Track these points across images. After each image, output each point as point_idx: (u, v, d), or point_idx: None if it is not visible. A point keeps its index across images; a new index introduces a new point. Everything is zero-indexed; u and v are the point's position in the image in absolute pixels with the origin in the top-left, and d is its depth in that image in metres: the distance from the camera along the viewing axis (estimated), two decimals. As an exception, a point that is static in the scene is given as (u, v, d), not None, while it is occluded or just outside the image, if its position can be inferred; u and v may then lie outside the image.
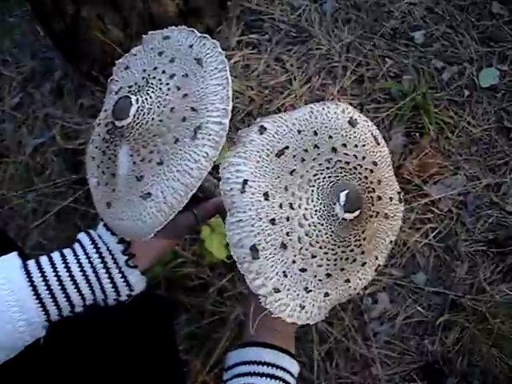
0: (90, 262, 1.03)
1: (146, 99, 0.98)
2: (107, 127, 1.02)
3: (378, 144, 1.02)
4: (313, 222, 0.92)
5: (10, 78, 2.57)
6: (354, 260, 0.96)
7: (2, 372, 1.04)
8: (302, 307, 0.93)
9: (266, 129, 0.98)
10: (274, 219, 0.91)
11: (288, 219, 0.92)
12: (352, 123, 1.01)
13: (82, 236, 1.07)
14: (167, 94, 0.98)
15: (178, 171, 0.94)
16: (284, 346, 1.05)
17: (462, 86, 2.19)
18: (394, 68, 2.23)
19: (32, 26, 2.65)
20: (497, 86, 2.18)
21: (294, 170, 0.95)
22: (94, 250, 1.04)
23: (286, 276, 0.91)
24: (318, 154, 0.96)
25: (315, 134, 0.99)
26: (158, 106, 0.97)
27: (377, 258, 1.00)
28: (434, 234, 1.97)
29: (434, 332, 1.87)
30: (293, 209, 0.92)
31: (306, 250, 0.92)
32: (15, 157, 2.34)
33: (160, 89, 0.99)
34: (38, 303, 0.99)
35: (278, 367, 1.02)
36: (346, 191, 0.92)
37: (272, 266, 0.91)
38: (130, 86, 1.02)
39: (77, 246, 1.06)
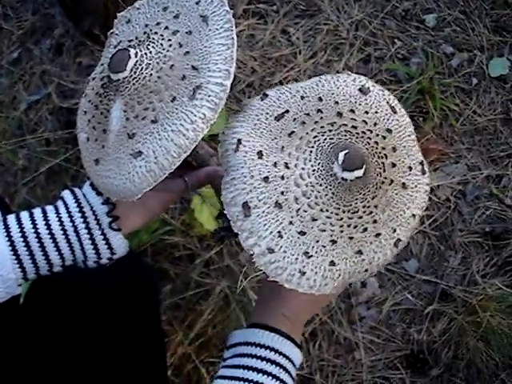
0: (72, 221, 0.99)
1: (146, 54, 0.93)
2: (102, 81, 0.97)
3: (395, 112, 0.98)
4: (310, 182, 0.89)
5: (9, 33, 2.50)
6: (365, 229, 0.90)
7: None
8: (303, 273, 0.88)
9: (267, 95, 0.98)
10: (267, 177, 0.89)
11: (283, 178, 0.89)
12: (363, 91, 0.98)
13: (66, 194, 1.03)
14: (168, 51, 0.94)
15: (172, 131, 0.89)
16: (290, 333, 1.01)
17: (470, 73, 2.14)
18: (402, 50, 2.18)
19: (35, -20, 2.59)
20: (506, 77, 2.13)
21: (293, 132, 0.93)
22: (77, 209, 1.00)
23: (281, 237, 0.88)
24: (321, 118, 0.94)
25: (320, 99, 0.96)
26: (158, 62, 0.93)
27: (395, 231, 0.92)
28: (430, 221, 1.94)
29: (421, 321, 1.85)
30: (288, 168, 0.90)
31: (305, 211, 0.88)
32: (8, 112, 2.28)
33: (161, 44, 0.95)
34: (14, 259, 0.95)
35: (280, 353, 0.98)
36: (346, 151, 0.88)
37: (265, 225, 0.88)
38: (130, 40, 0.98)
39: (60, 203, 1.02)
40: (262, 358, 0.96)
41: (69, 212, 1.00)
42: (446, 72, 2.14)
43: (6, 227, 0.96)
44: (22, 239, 0.96)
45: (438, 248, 1.91)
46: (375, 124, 0.95)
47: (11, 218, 0.98)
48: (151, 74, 0.92)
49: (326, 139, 0.91)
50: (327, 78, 0.99)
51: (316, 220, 0.88)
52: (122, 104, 0.93)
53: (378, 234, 0.91)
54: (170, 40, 0.95)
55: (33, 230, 0.97)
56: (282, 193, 0.89)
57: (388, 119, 0.96)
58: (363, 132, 0.93)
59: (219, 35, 0.95)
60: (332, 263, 0.89)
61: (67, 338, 1.22)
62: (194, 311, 1.83)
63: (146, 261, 1.83)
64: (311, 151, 0.91)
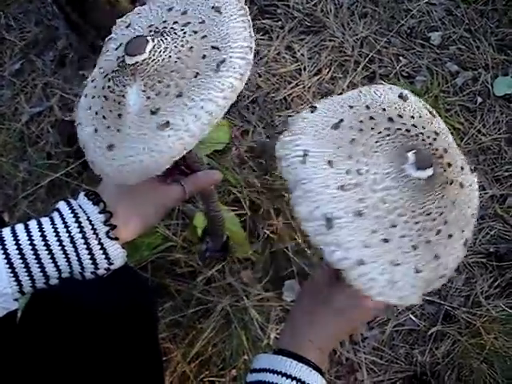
0: (68, 232, 0.97)
1: (162, 40, 0.95)
2: (110, 75, 0.98)
3: (434, 117, 0.98)
4: (385, 186, 0.85)
5: (12, 44, 2.49)
6: (439, 231, 0.85)
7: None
8: (394, 282, 0.82)
9: (316, 108, 0.96)
10: (343, 186, 0.85)
11: (357, 185, 0.85)
12: (403, 97, 0.98)
13: (61, 204, 1.01)
14: (184, 37, 0.96)
15: (201, 100, 0.90)
16: (317, 362, 0.98)
17: (475, 92, 2.13)
18: (407, 67, 2.17)
19: (39, -8, 2.58)
20: (511, 96, 2.12)
21: (354, 139, 0.89)
22: (74, 220, 0.98)
23: (367, 247, 0.82)
24: (376, 124, 0.92)
25: (367, 108, 0.95)
26: (175, 46, 0.95)
27: (463, 231, 0.89)
28: (434, 241, 1.91)
29: (424, 342, 1.82)
30: (360, 174, 0.86)
31: (385, 218, 0.83)
32: (10, 124, 2.26)
33: (175, 33, 0.96)
34: (10, 273, 0.93)
35: None
36: (414, 150, 0.87)
37: (350, 236, 0.82)
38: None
39: (55, 214, 1.00)
40: None
41: (65, 222, 0.98)
42: (450, 90, 2.13)
43: (1, 240, 0.95)
44: (17, 251, 0.94)
45: (442, 268, 1.89)
46: (423, 127, 0.94)
47: (6, 231, 0.96)
48: (170, 56, 0.94)
49: (388, 143, 0.89)
50: (364, 89, 1.01)
51: (395, 226, 0.84)
52: (142, 85, 0.93)
53: (450, 236, 0.87)
54: (183, 30, 0.97)
55: (28, 242, 0.95)
56: (360, 200, 0.84)
57: (432, 123, 0.96)
58: (416, 135, 0.92)
59: (235, 20, 0.97)
60: (417, 271, 0.84)
61: (63, 357, 1.20)
62: (195, 329, 1.80)
63: (143, 277, 1.80)
64: (378, 156, 0.87)
